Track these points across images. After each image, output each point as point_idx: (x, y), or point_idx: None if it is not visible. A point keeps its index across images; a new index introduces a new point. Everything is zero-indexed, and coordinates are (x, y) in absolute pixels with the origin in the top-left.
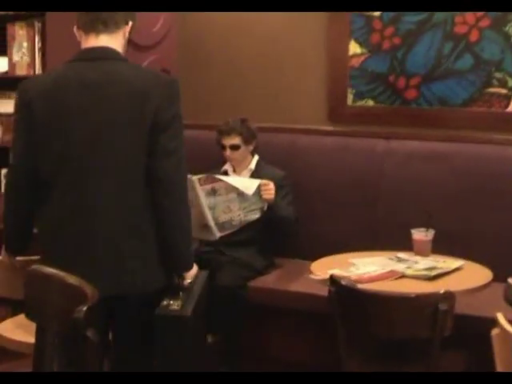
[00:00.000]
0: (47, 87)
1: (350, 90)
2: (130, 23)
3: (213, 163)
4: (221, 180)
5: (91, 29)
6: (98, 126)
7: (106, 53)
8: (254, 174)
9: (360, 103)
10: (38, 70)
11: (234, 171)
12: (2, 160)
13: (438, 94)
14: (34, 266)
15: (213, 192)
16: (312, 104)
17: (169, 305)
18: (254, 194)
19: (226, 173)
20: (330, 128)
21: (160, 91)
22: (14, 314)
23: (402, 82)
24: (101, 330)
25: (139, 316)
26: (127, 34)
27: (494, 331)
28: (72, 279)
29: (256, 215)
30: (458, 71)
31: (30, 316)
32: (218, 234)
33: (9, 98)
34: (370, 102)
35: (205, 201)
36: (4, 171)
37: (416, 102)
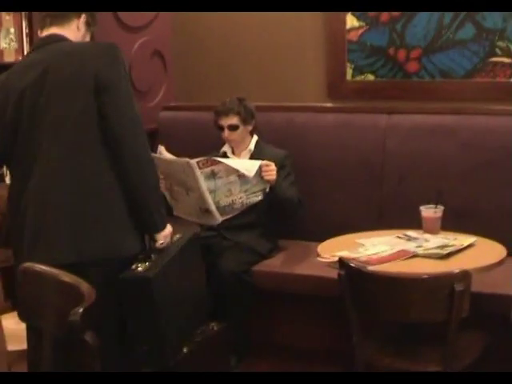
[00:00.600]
0: (2, 77)
1: (349, 65)
2: (83, 16)
3: (211, 145)
4: (220, 162)
5: (43, 24)
6: (42, 98)
7: (51, 38)
8: (254, 155)
9: (360, 78)
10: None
11: (233, 153)
12: None
13: (440, 65)
14: (26, 264)
15: (212, 175)
16: (311, 80)
17: (136, 268)
18: (255, 176)
19: (224, 155)
20: (329, 104)
21: (97, 56)
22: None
23: (402, 55)
24: None
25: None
26: (82, 26)
27: None
28: (67, 277)
29: (258, 197)
30: (459, 42)
31: (23, 317)
32: (219, 218)
33: None
34: (370, 77)
35: (205, 184)
36: None
37: (417, 74)
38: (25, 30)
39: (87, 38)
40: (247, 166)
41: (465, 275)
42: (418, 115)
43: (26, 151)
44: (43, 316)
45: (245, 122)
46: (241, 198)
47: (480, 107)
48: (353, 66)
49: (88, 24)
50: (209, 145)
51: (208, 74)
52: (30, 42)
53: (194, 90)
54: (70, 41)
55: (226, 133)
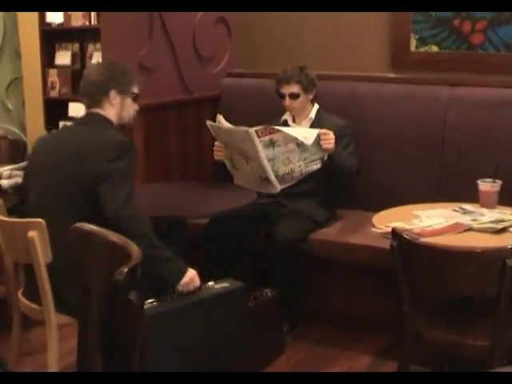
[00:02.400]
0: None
1: (413, 36)
2: (112, 92)
3: (273, 113)
4: (279, 130)
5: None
6: (48, 179)
7: (88, 117)
8: (314, 124)
9: (424, 49)
10: (94, 20)
11: (294, 121)
12: (59, 112)
13: (505, 38)
14: (77, 224)
15: (271, 143)
16: (374, 51)
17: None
18: (313, 144)
19: (285, 122)
20: (391, 75)
21: (99, 152)
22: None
23: (467, 27)
24: None
25: None
26: (116, 101)
27: None
28: (116, 237)
29: (317, 166)
30: None
31: (75, 276)
32: (279, 187)
33: (65, 49)
34: (434, 48)
35: (263, 153)
36: (62, 123)
37: (482, 47)
38: None
39: (127, 108)
40: (306, 134)
41: None
42: (480, 88)
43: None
44: (91, 275)
45: (306, 90)
46: (300, 166)
47: None
48: (417, 36)
49: (122, 94)
50: (270, 112)
51: (271, 42)
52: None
53: (257, 58)
54: (101, 124)
55: (287, 101)
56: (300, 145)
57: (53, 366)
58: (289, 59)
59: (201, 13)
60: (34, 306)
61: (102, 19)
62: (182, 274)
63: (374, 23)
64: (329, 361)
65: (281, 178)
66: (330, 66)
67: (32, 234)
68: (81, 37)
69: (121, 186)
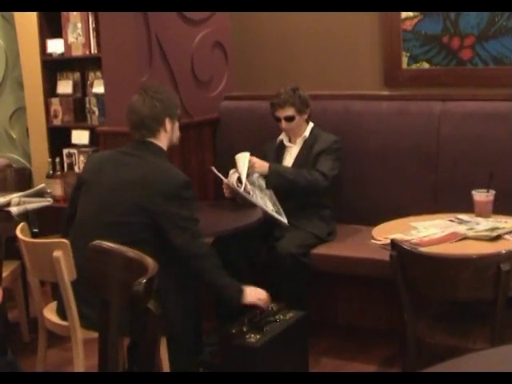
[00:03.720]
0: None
1: (404, 54)
2: (167, 120)
3: (270, 134)
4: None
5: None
6: (106, 197)
7: (140, 145)
8: (308, 141)
9: (415, 66)
10: (94, 49)
11: (290, 141)
12: (63, 140)
13: (493, 52)
14: (95, 242)
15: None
16: (367, 69)
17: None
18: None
19: (281, 143)
20: (385, 92)
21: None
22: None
23: (456, 43)
24: None
25: None
26: (169, 127)
27: None
28: (133, 253)
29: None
30: None
31: (93, 290)
32: (285, 220)
33: (66, 78)
34: (426, 65)
35: (261, 203)
36: (65, 151)
37: (471, 62)
38: (91, 25)
39: (176, 131)
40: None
41: (511, 255)
42: (471, 102)
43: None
44: (110, 289)
45: (300, 111)
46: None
47: None
48: (408, 54)
49: (172, 119)
50: (268, 133)
51: (267, 64)
52: (97, 36)
53: (254, 81)
54: (156, 154)
55: (283, 124)
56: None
57: None
58: (284, 80)
59: (198, 38)
60: (63, 323)
61: (103, 48)
62: (240, 296)
63: (366, 43)
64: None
65: (279, 213)
66: (324, 86)
67: (57, 253)
68: (81, 66)
69: (187, 226)
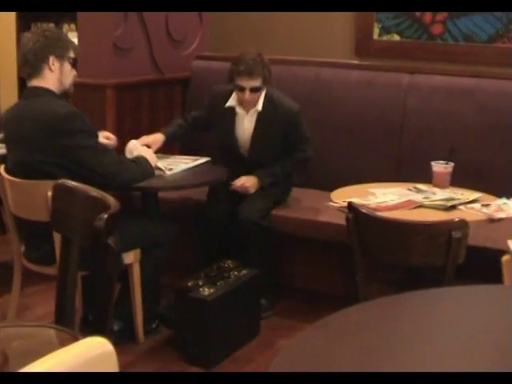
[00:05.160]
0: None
1: (376, 25)
2: (51, 58)
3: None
4: None
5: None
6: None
7: (30, 91)
8: (263, 115)
9: (386, 37)
10: None
11: (243, 110)
12: None
13: (464, 30)
14: (60, 181)
15: None
16: (339, 38)
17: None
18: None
19: (233, 109)
20: (355, 62)
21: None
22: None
23: (428, 18)
24: None
25: None
26: (56, 66)
27: (504, 257)
28: (95, 192)
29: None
30: None
31: (56, 228)
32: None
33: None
34: (396, 37)
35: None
36: None
37: (441, 37)
38: None
39: (66, 74)
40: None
41: (462, 224)
42: (438, 76)
43: None
44: (72, 226)
45: (266, 82)
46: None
47: (499, 71)
48: (380, 25)
49: (60, 59)
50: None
51: (240, 27)
52: None
53: (227, 42)
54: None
55: (247, 94)
56: None
57: None
58: (257, 43)
59: None
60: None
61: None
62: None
63: (340, 13)
64: (287, 331)
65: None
66: (295, 51)
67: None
68: (56, 17)
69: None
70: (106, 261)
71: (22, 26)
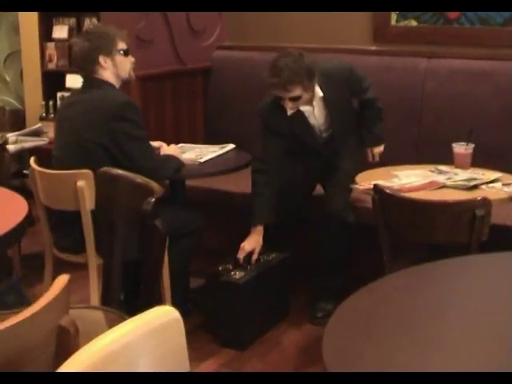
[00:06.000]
0: None
1: None
2: (101, 57)
3: (259, 86)
4: None
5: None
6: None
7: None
8: (325, 95)
9: (403, 23)
10: None
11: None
12: (57, 84)
13: (480, 13)
14: (103, 169)
15: None
16: (356, 24)
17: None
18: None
19: (297, 112)
20: (373, 48)
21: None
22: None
23: None
24: None
25: None
26: (108, 63)
27: None
28: (139, 179)
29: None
30: None
31: (99, 213)
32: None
33: (62, 23)
34: (413, 22)
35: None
36: (59, 94)
37: (458, 21)
38: None
39: (122, 65)
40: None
41: (485, 202)
42: (456, 60)
43: None
44: (117, 212)
45: (308, 88)
46: None
47: None
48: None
49: (110, 56)
50: (257, 83)
51: (260, 16)
52: None
53: (247, 31)
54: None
55: (289, 104)
56: None
57: (95, 301)
58: (275, 32)
59: None
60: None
61: None
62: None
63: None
64: None
65: None
66: (314, 39)
67: (81, 183)
68: (77, 11)
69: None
70: (154, 243)
71: (44, 21)
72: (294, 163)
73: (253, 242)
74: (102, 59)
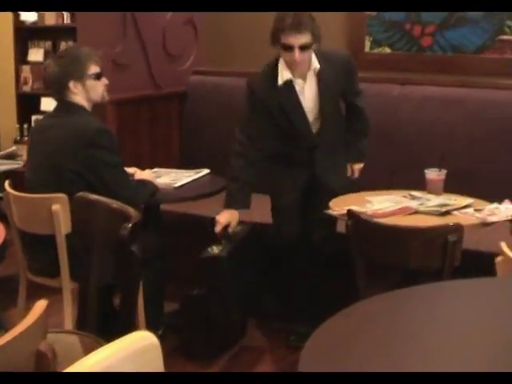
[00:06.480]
0: None
1: (367, 38)
2: (72, 82)
3: (235, 108)
4: None
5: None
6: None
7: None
8: (321, 74)
9: (377, 50)
10: (67, 18)
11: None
12: (32, 107)
13: (452, 41)
14: (80, 194)
15: None
16: None
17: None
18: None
19: (289, 82)
20: None
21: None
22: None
23: (417, 30)
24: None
25: None
26: (78, 88)
27: (498, 258)
28: (116, 204)
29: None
30: (471, 19)
31: (75, 238)
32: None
33: (38, 46)
34: (387, 50)
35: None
36: (34, 117)
37: (431, 49)
38: None
39: (93, 89)
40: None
41: (458, 228)
42: (428, 87)
43: None
44: (94, 236)
45: (316, 39)
46: None
47: (487, 81)
48: (371, 38)
49: (80, 80)
50: (233, 109)
51: (235, 42)
52: None
53: (222, 57)
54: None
55: (297, 54)
56: None
57: (69, 325)
58: (250, 58)
59: (170, 13)
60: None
61: (78, 18)
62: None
63: (332, 25)
64: None
65: None
66: None
67: (56, 207)
68: (53, 35)
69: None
70: (131, 268)
71: (20, 44)
72: (282, 174)
73: (228, 216)
74: (72, 84)
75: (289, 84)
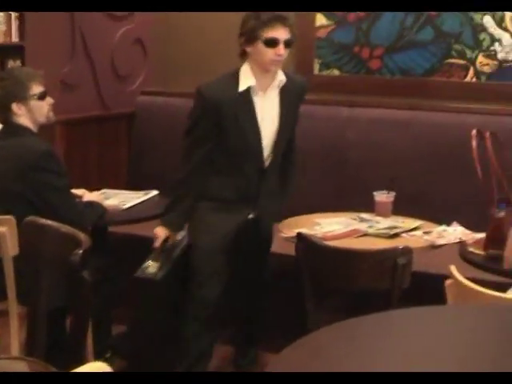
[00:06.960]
0: None
1: (316, 60)
2: (15, 104)
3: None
4: None
5: None
6: None
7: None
8: (284, 90)
9: (326, 72)
10: (15, 37)
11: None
12: None
13: (400, 64)
14: (29, 218)
15: None
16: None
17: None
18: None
19: (248, 92)
20: None
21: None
22: None
23: (366, 53)
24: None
25: None
26: (22, 110)
27: (448, 282)
28: (65, 228)
29: None
30: (419, 43)
31: (23, 261)
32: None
33: None
34: (336, 72)
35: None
36: None
37: (379, 71)
38: (14, 13)
39: (38, 110)
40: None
41: (407, 251)
42: (376, 109)
43: None
44: (43, 261)
45: (294, 38)
46: None
47: (435, 104)
48: (320, 61)
49: (24, 102)
50: (181, 129)
51: (184, 62)
52: (20, 25)
53: (171, 77)
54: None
55: (281, 50)
56: None
57: (16, 350)
58: (200, 78)
59: (120, 33)
60: None
61: (27, 37)
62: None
63: None
64: None
65: None
66: None
67: (2, 229)
68: (0, 54)
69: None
70: (81, 294)
71: None
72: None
73: (165, 229)
74: (15, 106)
75: (249, 92)
